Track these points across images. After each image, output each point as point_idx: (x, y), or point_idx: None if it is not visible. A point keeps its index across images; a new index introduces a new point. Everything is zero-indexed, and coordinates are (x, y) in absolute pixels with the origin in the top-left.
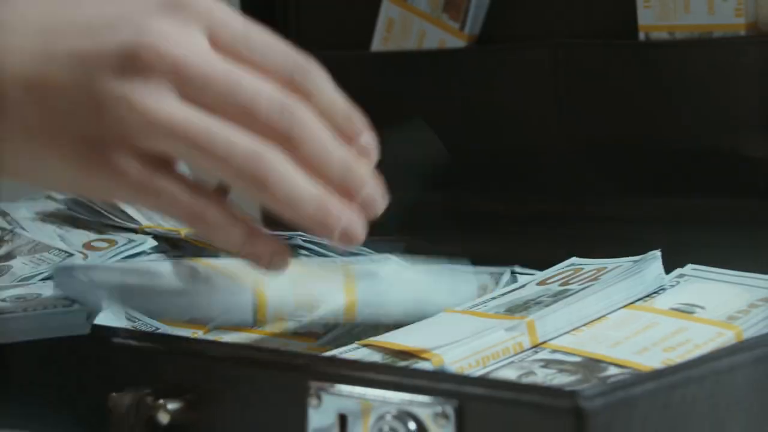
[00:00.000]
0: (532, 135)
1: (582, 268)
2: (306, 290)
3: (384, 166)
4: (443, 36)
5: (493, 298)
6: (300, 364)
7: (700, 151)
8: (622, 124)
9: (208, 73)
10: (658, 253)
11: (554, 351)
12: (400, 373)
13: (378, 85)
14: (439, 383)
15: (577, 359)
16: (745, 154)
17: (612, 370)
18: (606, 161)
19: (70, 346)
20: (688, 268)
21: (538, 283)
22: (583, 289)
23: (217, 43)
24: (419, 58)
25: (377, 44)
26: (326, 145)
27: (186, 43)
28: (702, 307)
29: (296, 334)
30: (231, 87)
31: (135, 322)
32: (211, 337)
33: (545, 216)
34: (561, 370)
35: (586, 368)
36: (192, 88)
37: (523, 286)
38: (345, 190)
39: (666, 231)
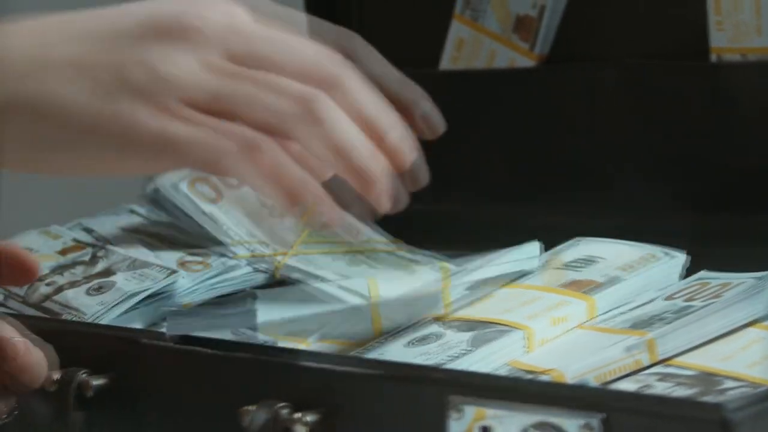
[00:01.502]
0: (601, 154)
1: (708, 283)
2: (414, 296)
3: (451, 180)
4: (513, 56)
5: (621, 313)
6: (440, 378)
7: None
8: (690, 145)
9: (256, 32)
10: None
11: (668, 365)
12: (543, 386)
13: (447, 104)
14: (584, 396)
15: (692, 373)
16: None
17: (728, 384)
18: (674, 180)
19: (203, 359)
20: None
21: (666, 298)
22: (705, 306)
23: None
24: (489, 77)
25: (446, 63)
26: (354, 133)
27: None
28: None
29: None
30: (279, 46)
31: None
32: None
33: (614, 233)
34: (678, 384)
35: (703, 382)
36: (239, 52)
37: (652, 300)
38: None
39: (734, 247)
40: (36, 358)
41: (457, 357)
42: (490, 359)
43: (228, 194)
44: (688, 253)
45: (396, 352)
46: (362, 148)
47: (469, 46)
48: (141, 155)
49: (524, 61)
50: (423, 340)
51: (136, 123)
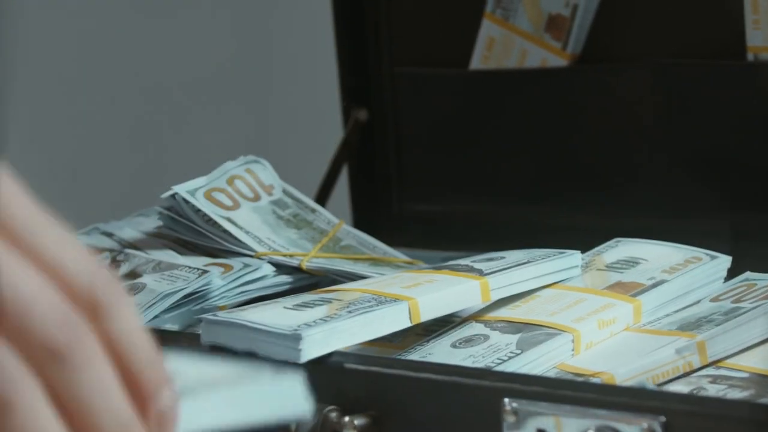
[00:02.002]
0: (633, 153)
1: (755, 284)
2: (449, 293)
3: (480, 181)
4: (545, 55)
5: (667, 315)
6: (495, 381)
7: None
8: (727, 145)
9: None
10: None
11: (719, 367)
12: (602, 388)
13: (476, 104)
14: (645, 400)
15: (744, 375)
16: None
17: None
18: (709, 180)
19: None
20: None
21: (712, 300)
22: (754, 308)
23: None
24: (520, 76)
25: (477, 62)
26: (107, 389)
27: None
28: None
29: None
30: (51, 240)
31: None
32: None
33: (645, 233)
34: (731, 386)
35: (756, 384)
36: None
37: (698, 302)
38: None
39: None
40: None
41: (506, 360)
42: (538, 362)
43: (244, 204)
44: (729, 254)
45: (442, 353)
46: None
47: (500, 46)
48: None
49: (556, 60)
50: (469, 341)
51: None
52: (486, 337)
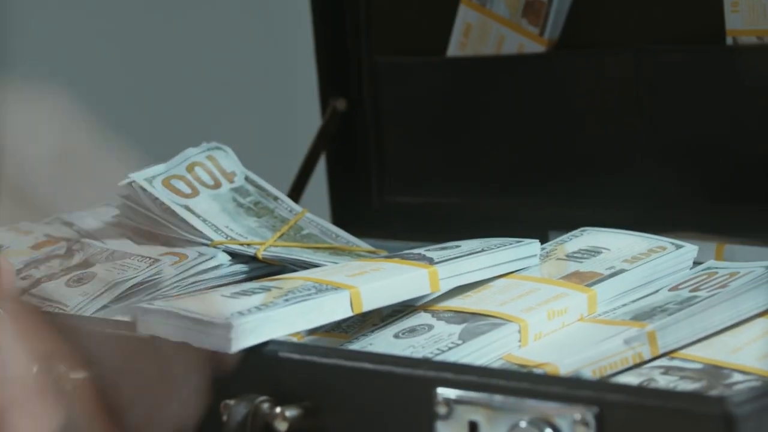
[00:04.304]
0: (613, 141)
1: (716, 272)
2: (395, 282)
3: (457, 171)
4: (522, 41)
5: (623, 305)
6: (427, 371)
7: None
8: (706, 130)
9: None
10: None
11: (672, 357)
12: (535, 379)
13: (455, 92)
14: (578, 390)
15: (698, 366)
16: None
17: (736, 377)
18: (689, 167)
19: None
20: None
21: (670, 289)
22: (710, 296)
23: None
24: (498, 63)
25: (454, 50)
26: None
27: None
28: None
29: None
30: None
31: None
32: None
33: (627, 222)
34: (683, 377)
35: (709, 375)
36: None
37: (656, 291)
38: None
39: (747, 236)
40: None
41: (446, 350)
42: (480, 353)
43: (204, 191)
44: (711, 243)
45: (384, 343)
46: None
47: (477, 31)
48: None
49: (534, 46)
50: (412, 331)
51: None
52: (430, 327)
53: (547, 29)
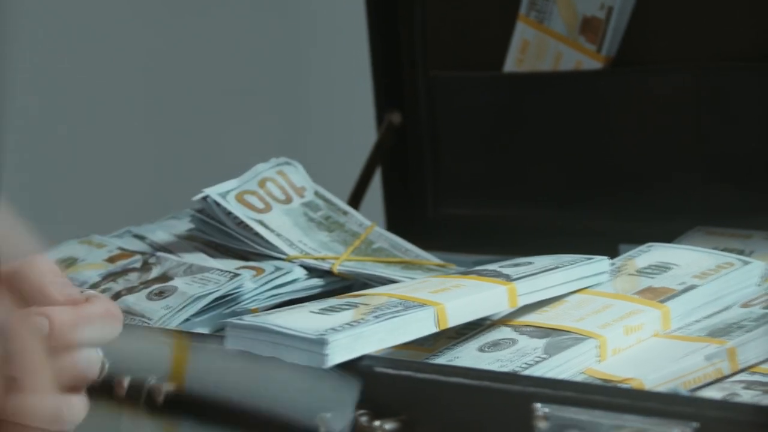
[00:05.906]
0: (669, 158)
1: None
2: (477, 298)
3: (512, 185)
4: (580, 58)
5: (697, 321)
6: (526, 386)
7: None
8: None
9: None
10: None
11: (753, 372)
12: (633, 395)
13: (511, 107)
14: (678, 406)
15: None
16: None
17: None
18: (747, 187)
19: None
20: None
21: (742, 306)
22: None
23: None
24: (555, 79)
25: (510, 65)
26: None
27: None
28: None
29: None
30: None
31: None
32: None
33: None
34: (766, 392)
35: None
36: None
37: (728, 308)
38: None
39: None
40: None
41: (533, 364)
42: (564, 367)
43: (276, 206)
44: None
45: (469, 357)
46: None
47: (534, 48)
48: None
49: (591, 63)
50: (496, 345)
51: None
52: (513, 342)
53: (605, 46)
